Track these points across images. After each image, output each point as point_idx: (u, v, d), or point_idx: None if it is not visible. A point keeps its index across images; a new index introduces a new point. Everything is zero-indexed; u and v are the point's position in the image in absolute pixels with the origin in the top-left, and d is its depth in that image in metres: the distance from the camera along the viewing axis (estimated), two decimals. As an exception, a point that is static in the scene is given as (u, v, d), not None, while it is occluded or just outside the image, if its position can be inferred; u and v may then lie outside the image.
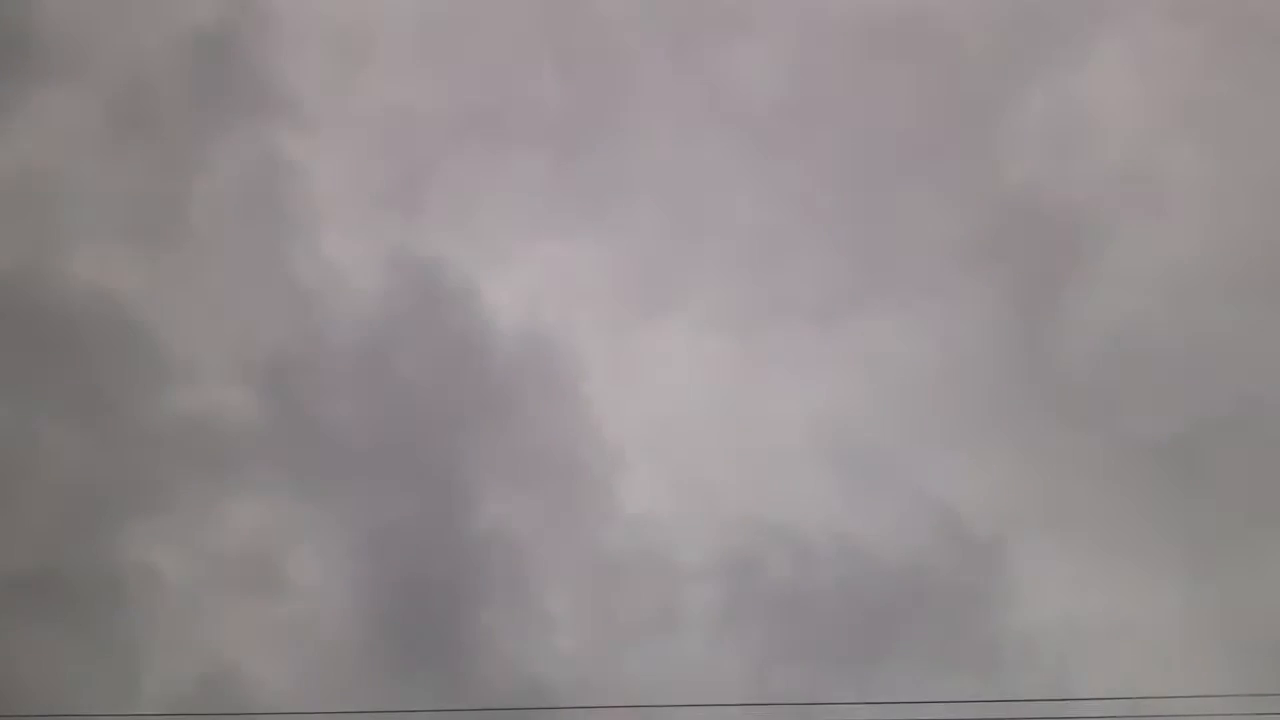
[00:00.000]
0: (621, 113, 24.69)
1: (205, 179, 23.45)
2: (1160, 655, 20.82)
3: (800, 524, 22.77)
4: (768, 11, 25.05)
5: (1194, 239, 23.76)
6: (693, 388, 23.90)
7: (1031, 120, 24.72)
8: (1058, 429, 23.23)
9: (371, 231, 23.86)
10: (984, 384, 23.61)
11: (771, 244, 24.53)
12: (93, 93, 23.34)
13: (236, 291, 23.21)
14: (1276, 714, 19.36)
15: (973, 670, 21.38)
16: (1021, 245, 24.24)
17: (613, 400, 23.52)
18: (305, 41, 24.00)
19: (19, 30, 23.19)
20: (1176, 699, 19.36)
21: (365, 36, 24.41)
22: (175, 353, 22.80)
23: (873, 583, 22.41)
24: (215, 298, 23.18)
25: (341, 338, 23.39)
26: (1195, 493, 22.32)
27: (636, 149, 24.65)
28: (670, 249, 24.50)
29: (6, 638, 21.11)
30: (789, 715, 20.55)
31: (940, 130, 24.77)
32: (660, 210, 24.62)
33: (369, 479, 22.77)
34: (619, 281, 24.35)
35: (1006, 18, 24.79)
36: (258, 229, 23.47)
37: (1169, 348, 23.34)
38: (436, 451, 23.07)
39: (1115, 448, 22.97)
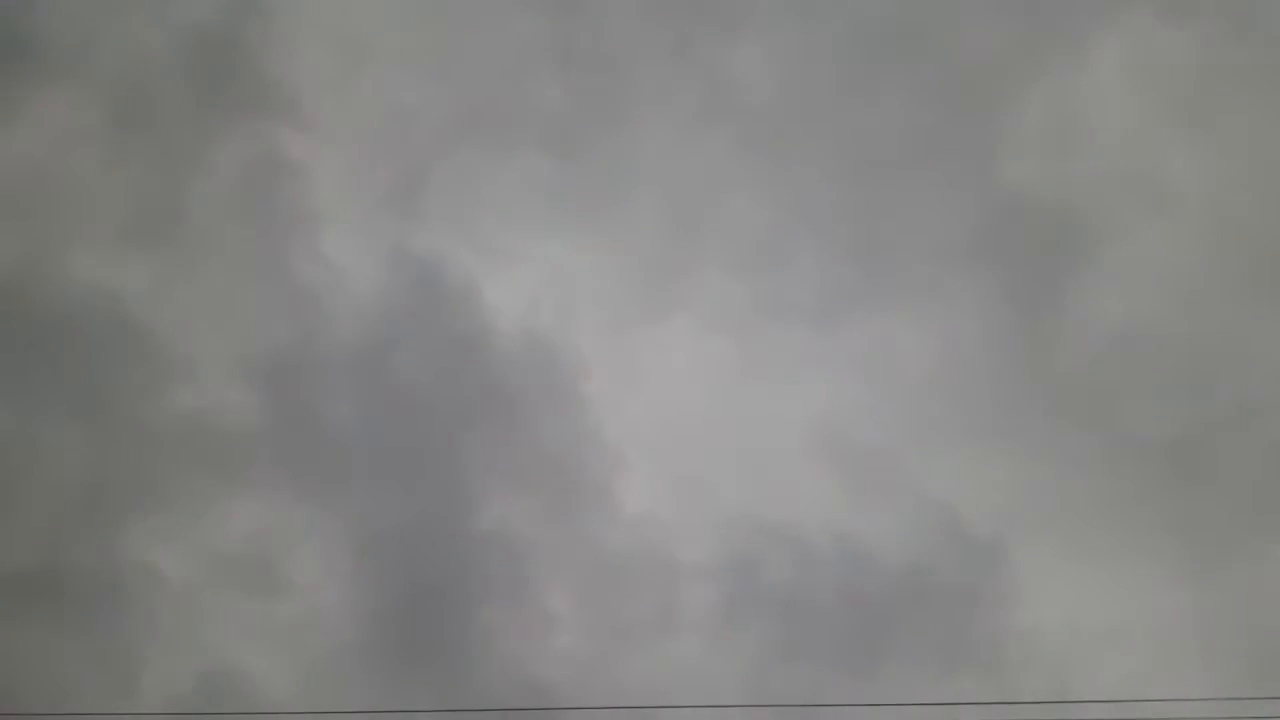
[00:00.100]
0: (621, 113, 24.72)
1: (205, 178, 23.48)
2: (1161, 656, 20.79)
3: (800, 524, 22.78)
4: (768, 11, 25.10)
5: (1194, 239, 23.80)
6: (693, 388, 23.96)
7: (1031, 120, 24.76)
8: (1058, 429, 23.24)
9: (372, 231, 23.91)
10: (984, 384, 23.63)
11: (771, 244, 24.56)
12: (93, 92, 23.39)
13: (237, 291, 23.23)
14: (1275, 717, 19.33)
15: (973, 671, 21.36)
16: (1021, 245, 24.26)
17: (613, 400, 23.55)
18: (305, 41, 24.03)
19: (19, 30, 23.21)
20: (1177, 701, 19.33)
21: (365, 36, 24.43)
22: (175, 352, 22.81)
23: (873, 583, 22.40)
24: (215, 297, 23.19)
25: (342, 337, 23.40)
26: (1196, 493, 22.33)
27: (636, 149, 24.70)
28: (670, 249, 24.54)
29: (6, 636, 21.11)
30: (789, 715, 20.53)
31: (940, 130, 24.79)
32: (660, 210, 24.67)
33: (369, 479, 22.77)
34: (619, 281, 24.40)
35: (1006, 18, 24.82)
36: (258, 229, 23.50)
37: (1169, 348, 23.36)
38: (436, 451, 23.07)
39: (1115, 448, 23.00)
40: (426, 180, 24.28)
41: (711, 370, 24.00)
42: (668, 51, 24.97)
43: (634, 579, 22.46)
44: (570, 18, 24.79)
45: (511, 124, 24.63)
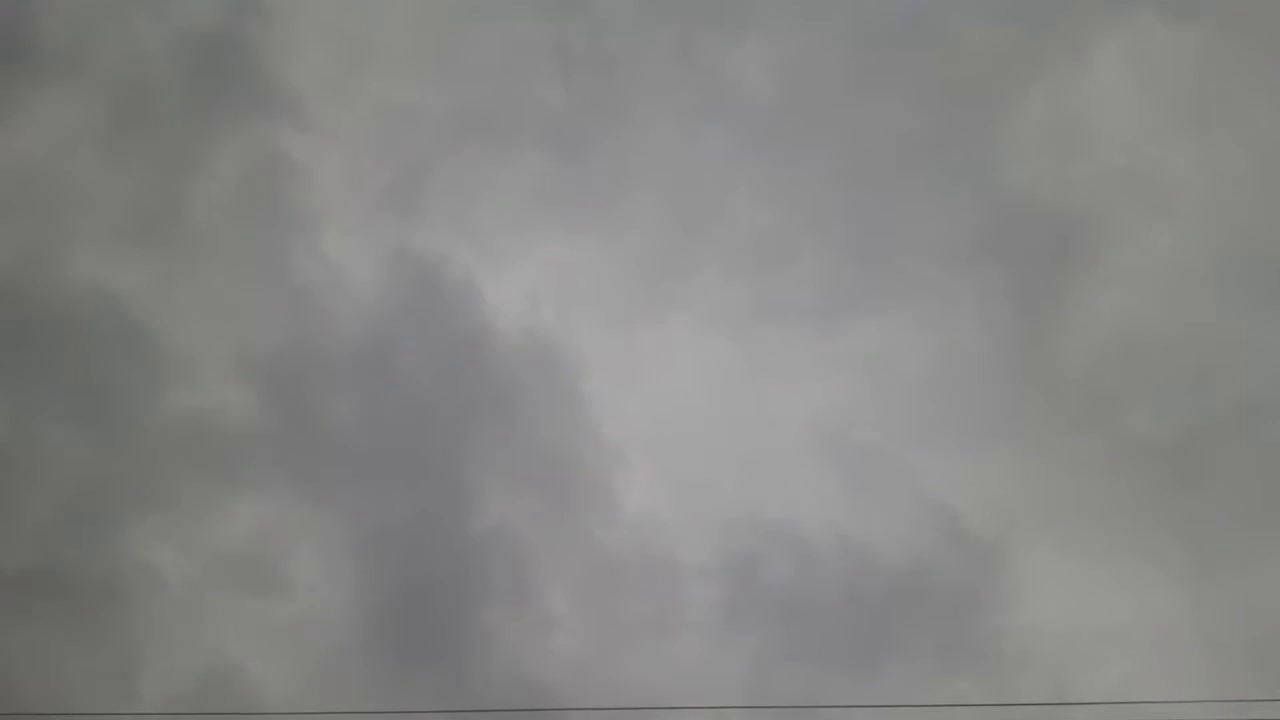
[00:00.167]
0: (621, 113, 24.71)
1: (205, 178, 23.48)
2: (1160, 656, 20.79)
3: (800, 524, 22.79)
4: (768, 11, 25.07)
5: (1194, 239, 23.78)
6: (693, 388, 23.94)
7: (1032, 121, 24.72)
8: (1058, 429, 23.24)
9: (372, 231, 23.90)
10: (984, 384, 23.62)
11: (771, 244, 24.56)
12: (93, 92, 23.39)
13: (237, 291, 23.23)
14: (1277, 718, 19.34)
15: (973, 671, 21.38)
16: (1021, 245, 24.23)
17: (613, 400, 23.55)
18: (306, 41, 24.01)
19: (19, 30, 23.20)
20: (1176, 702, 19.34)
21: (366, 36, 24.43)
22: (175, 352, 22.82)
23: (873, 583, 22.41)
24: (216, 297, 23.19)
25: (342, 337, 23.41)
26: (1196, 493, 22.32)
27: (636, 149, 24.66)
28: (670, 249, 24.52)
29: (6, 636, 21.12)
30: (790, 716, 20.55)
31: (940, 130, 24.77)
32: (660, 210, 24.65)
33: (369, 478, 22.77)
34: (619, 281, 24.39)
35: (1007, 18, 24.79)
36: (258, 228, 23.49)
37: (1169, 348, 23.35)
38: (437, 451, 23.07)
39: (1115, 448, 22.99)
40: (426, 180, 24.30)
41: (711, 370, 24.01)
42: (668, 51, 25.01)
43: (634, 579, 22.47)
44: (570, 17, 24.83)
45: (512, 124, 24.63)
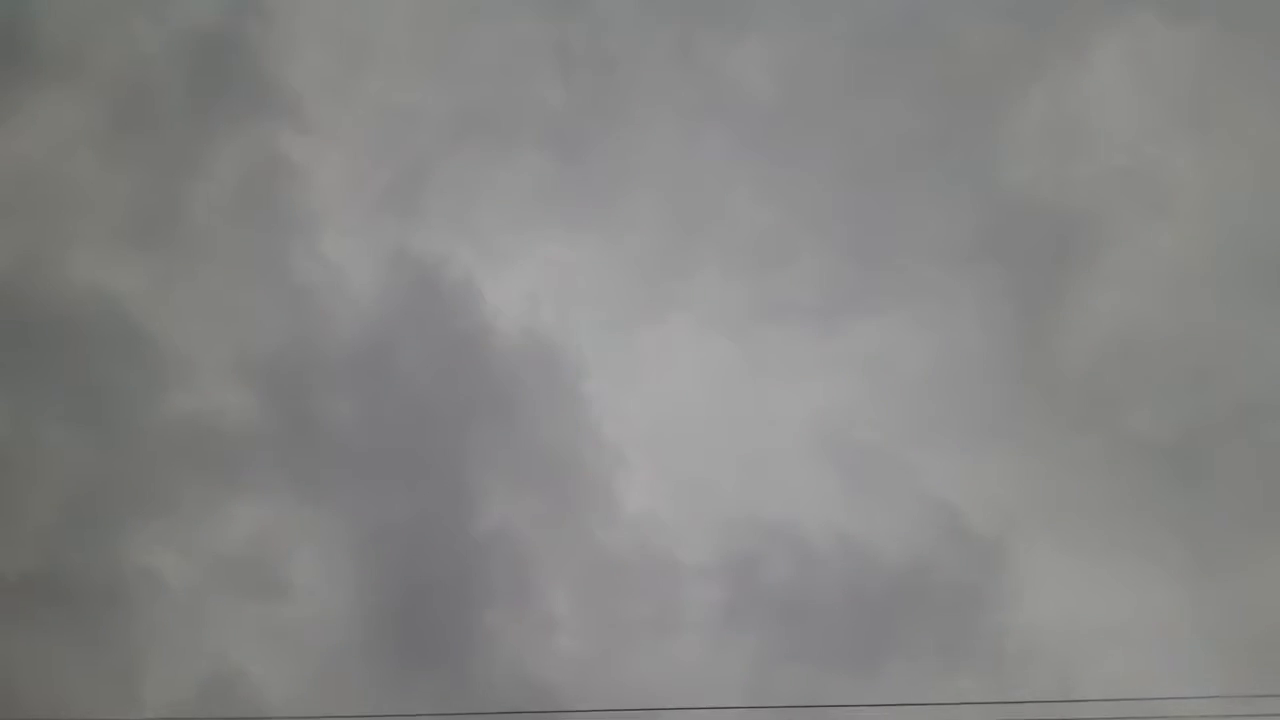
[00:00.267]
0: (621, 113, 24.65)
1: (205, 180, 23.34)
2: (1161, 654, 20.87)
3: (801, 524, 22.82)
4: (768, 11, 25.03)
5: (1194, 239, 23.85)
6: (693, 388, 23.93)
7: (1032, 120, 24.75)
8: (1058, 429, 23.31)
9: (372, 232, 23.81)
10: (984, 383, 23.66)
11: (771, 244, 24.55)
12: (92, 94, 23.22)
13: (237, 292, 23.13)
14: (1275, 716, 19.43)
15: (975, 670, 21.45)
16: (1021, 245, 24.27)
17: (613, 400, 23.53)
18: (304, 42, 23.88)
19: (19, 31, 23.02)
20: (1177, 699, 19.42)
21: (365, 37, 24.31)
22: (175, 354, 22.72)
23: (873, 582, 22.45)
24: (215, 299, 23.08)
25: (342, 338, 23.32)
26: (1196, 492, 22.41)
27: (636, 149, 24.61)
28: (670, 249, 24.49)
29: (7, 641, 21.03)
30: (792, 716, 20.58)
31: (940, 130, 24.79)
32: (660, 210, 24.62)
33: (369, 480, 22.73)
34: (619, 281, 24.35)
35: (1007, 18, 24.80)
36: (258, 230, 23.38)
37: (1169, 347, 23.43)
38: (437, 452, 23.03)
39: (1115, 447, 23.07)
40: (426, 180, 24.22)
41: (711, 370, 24.00)
42: (668, 51, 24.96)
43: (635, 579, 22.48)
44: (570, 18, 24.76)
45: (511, 124, 24.56)
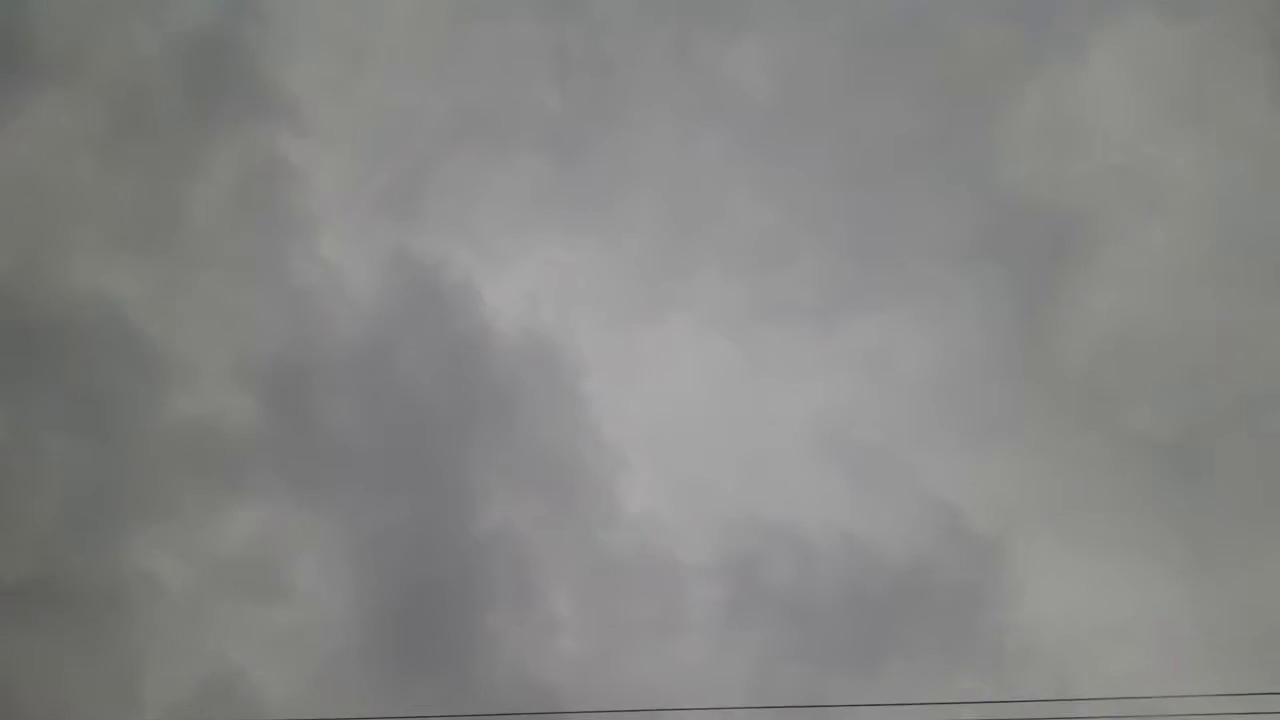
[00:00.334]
0: (620, 114, 24.64)
1: (204, 183, 23.32)
2: (1162, 652, 20.88)
3: (802, 523, 22.83)
4: (767, 11, 25.02)
5: (1190, 236, 23.86)
6: (693, 388, 23.93)
7: (1029, 119, 24.77)
8: (1058, 427, 23.32)
9: (371, 233, 23.78)
10: (984, 382, 23.67)
11: (771, 244, 24.55)
12: (91, 97, 23.19)
13: (236, 295, 23.10)
14: (1275, 714, 19.43)
15: (976, 668, 21.45)
16: (1020, 244, 24.29)
17: (613, 400, 23.52)
18: (303, 44, 23.85)
19: (17, 34, 22.97)
20: (1178, 697, 19.42)
21: (363, 39, 24.28)
22: (175, 357, 22.70)
23: (875, 582, 22.45)
24: (215, 302, 23.06)
25: (342, 341, 23.30)
26: (1196, 490, 22.41)
27: (635, 149, 24.61)
28: (670, 249, 24.49)
29: (8, 645, 21.01)
30: (792, 716, 20.58)
31: (938, 130, 24.80)
32: (659, 210, 24.62)
33: (370, 482, 22.71)
34: (619, 281, 24.35)
35: (1004, 18, 24.81)
36: (257, 232, 23.35)
37: (1169, 346, 23.45)
38: (437, 454, 23.01)
39: (1115, 445, 23.07)
40: (425, 182, 24.22)
41: (711, 370, 23.99)
42: (665, 52, 24.96)
43: (636, 580, 22.48)
44: (569, 18, 24.74)
45: (510, 125, 24.54)
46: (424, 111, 24.22)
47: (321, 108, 23.72)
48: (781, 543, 22.74)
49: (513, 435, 23.17)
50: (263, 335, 22.95)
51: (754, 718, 20.51)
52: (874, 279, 24.36)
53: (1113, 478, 22.75)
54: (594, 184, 24.51)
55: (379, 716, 20.23)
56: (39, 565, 21.41)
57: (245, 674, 21.30)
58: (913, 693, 20.28)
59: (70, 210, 22.82)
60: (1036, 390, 23.57)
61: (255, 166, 23.36)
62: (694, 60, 24.98)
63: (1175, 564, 21.76)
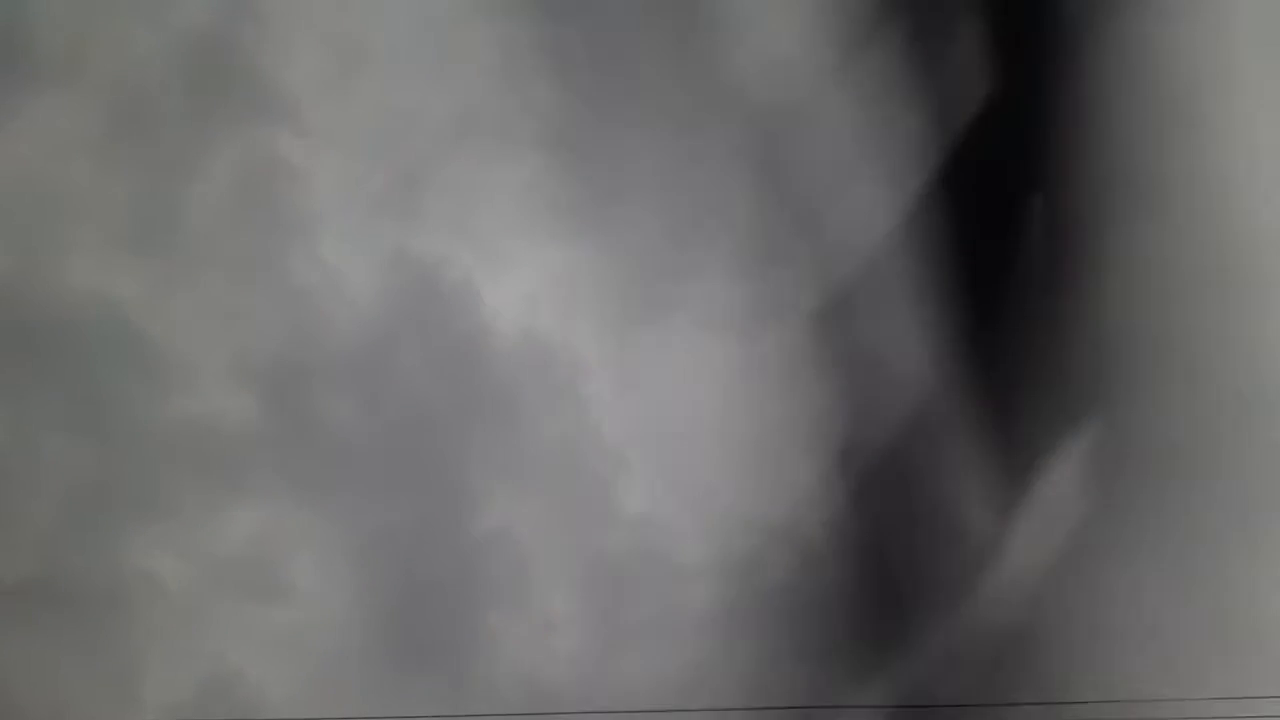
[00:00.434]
0: (621, 113, 24.59)
1: (202, 183, 23.24)
2: (1161, 654, 20.93)
3: (802, 524, 22.83)
4: (767, 11, 24.97)
5: (1192, 237, 23.86)
6: (693, 388, 23.91)
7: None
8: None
9: (370, 234, 23.72)
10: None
11: (771, 244, 24.53)
12: (89, 97, 23.12)
13: (235, 296, 23.05)
14: (1276, 716, 19.47)
15: (976, 668, 21.50)
16: (1020, 244, 24.31)
17: (613, 400, 23.50)
18: (302, 44, 23.80)
19: (14, 35, 22.98)
20: (1178, 700, 19.46)
21: (363, 39, 24.22)
22: (174, 358, 22.65)
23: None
24: (214, 303, 23.02)
25: (341, 341, 23.25)
26: (1195, 490, 22.44)
27: (636, 149, 24.57)
28: (670, 249, 24.45)
29: (5, 646, 21.05)
30: (795, 716, 20.63)
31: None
32: (660, 211, 24.57)
33: (370, 483, 22.73)
34: (618, 282, 24.29)
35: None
36: (256, 233, 23.30)
37: (1168, 345, 23.44)
38: (437, 454, 23.01)
39: (1115, 445, 23.07)
40: (425, 183, 24.13)
41: (711, 370, 23.97)
42: (667, 52, 24.90)
43: (636, 580, 22.50)
44: (568, 18, 24.68)
45: (509, 125, 24.47)
46: (424, 111, 24.18)
47: (321, 108, 23.67)
48: (782, 543, 22.77)
49: (512, 435, 23.18)
50: (262, 335, 22.95)
51: (754, 718, 20.56)
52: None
53: (1112, 478, 22.77)
54: (594, 183, 24.48)
55: (379, 716, 20.31)
56: (38, 565, 21.45)
57: (244, 673, 21.36)
58: (913, 694, 20.33)
59: (69, 210, 22.81)
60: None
61: (255, 167, 23.33)
62: (696, 59, 24.93)
63: (1175, 564, 21.81)
